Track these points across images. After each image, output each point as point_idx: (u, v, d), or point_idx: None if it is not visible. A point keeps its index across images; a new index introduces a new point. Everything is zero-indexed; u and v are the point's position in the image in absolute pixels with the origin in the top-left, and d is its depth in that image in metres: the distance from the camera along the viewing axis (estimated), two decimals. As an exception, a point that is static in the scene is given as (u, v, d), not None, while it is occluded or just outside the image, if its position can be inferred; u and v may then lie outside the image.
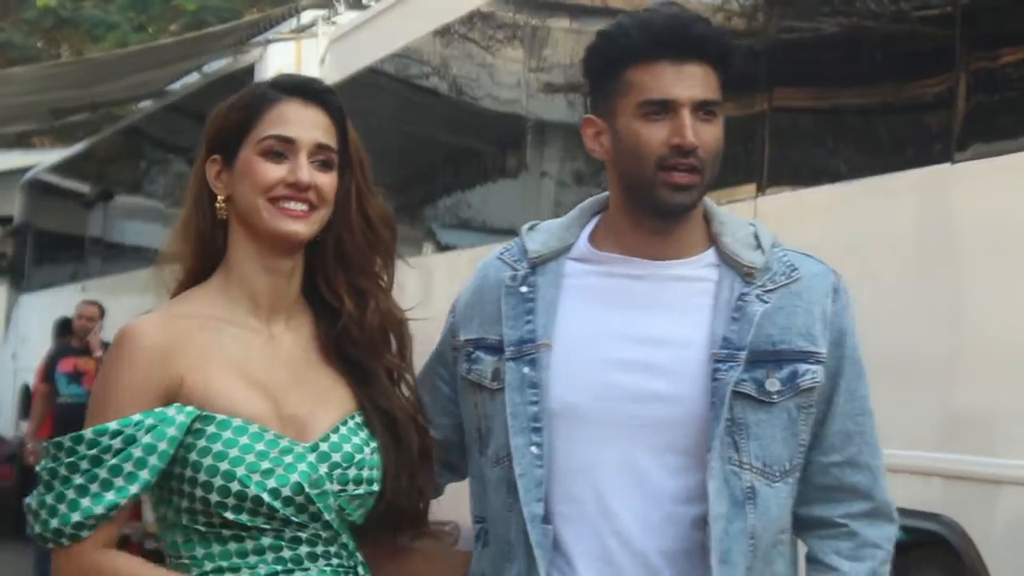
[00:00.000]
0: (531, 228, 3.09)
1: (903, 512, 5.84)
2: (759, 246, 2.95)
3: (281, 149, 2.85)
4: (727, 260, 2.94)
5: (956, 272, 6.02)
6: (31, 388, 16.99)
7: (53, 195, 22.49)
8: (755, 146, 7.19)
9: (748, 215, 6.64)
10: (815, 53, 7.18)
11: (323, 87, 2.98)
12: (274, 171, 2.84)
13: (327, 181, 2.87)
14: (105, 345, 13.24)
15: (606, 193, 3.04)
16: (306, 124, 2.87)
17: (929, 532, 5.87)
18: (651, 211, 2.93)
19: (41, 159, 23.77)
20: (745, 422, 2.87)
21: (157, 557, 2.95)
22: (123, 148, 19.57)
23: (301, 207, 2.85)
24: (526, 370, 2.94)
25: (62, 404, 13.39)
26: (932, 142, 6.28)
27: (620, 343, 2.93)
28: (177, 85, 17.58)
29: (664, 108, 2.86)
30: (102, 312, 13.71)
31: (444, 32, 10.68)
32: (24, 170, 23.32)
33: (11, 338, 22.13)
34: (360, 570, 2.90)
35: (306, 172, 2.84)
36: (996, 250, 5.80)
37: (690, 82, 2.87)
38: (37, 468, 2.85)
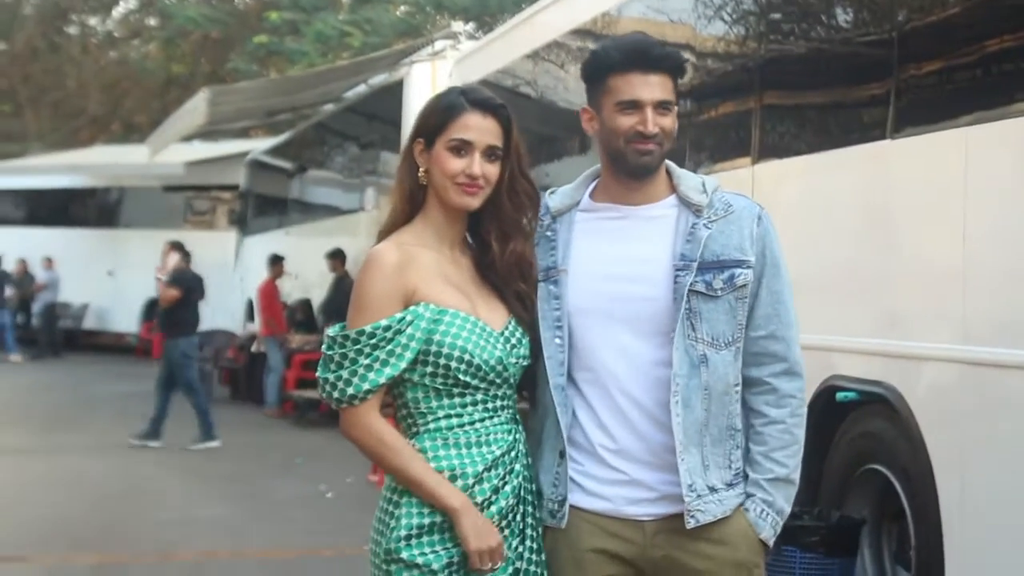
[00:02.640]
0: (551, 192, 3.58)
1: (859, 380, 6.25)
2: (704, 191, 3.43)
3: (463, 148, 3.32)
4: (683, 201, 3.43)
5: (894, 219, 6.22)
6: (253, 301, 20.24)
7: (266, 170, 24.34)
8: (750, 131, 7.44)
9: (747, 180, 6.95)
10: (792, 64, 7.34)
11: (498, 103, 3.43)
12: (457, 163, 3.32)
13: (492, 170, 3.35)
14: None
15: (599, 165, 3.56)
16: (483, 131, 3.34)
17: (876, 393, 6.14)
18: (625, 171, 3.43)
19: (257, 145, 26.26)
20: (699, 310, 3.35)
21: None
22: (313, 137, 21.66)
23: (472, 189, 3.32)
24: (551, 287, 3.43)
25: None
26: (875, 125, 6.39)
27: (611, 264, 3.42)
28: (350, 93, 19.41)
29: (633, 106, 3.37)
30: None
31: (532, 55, 11.45)
32: (245, 153, 26.10)
33: (239, 267, 24.08)
34: (518, 416, 3.40)
35: (478, 166, 3.32)
36: (923, 202, 5.99)
37: (651, 87, 3.38)
38: (325, 349, 3.30)
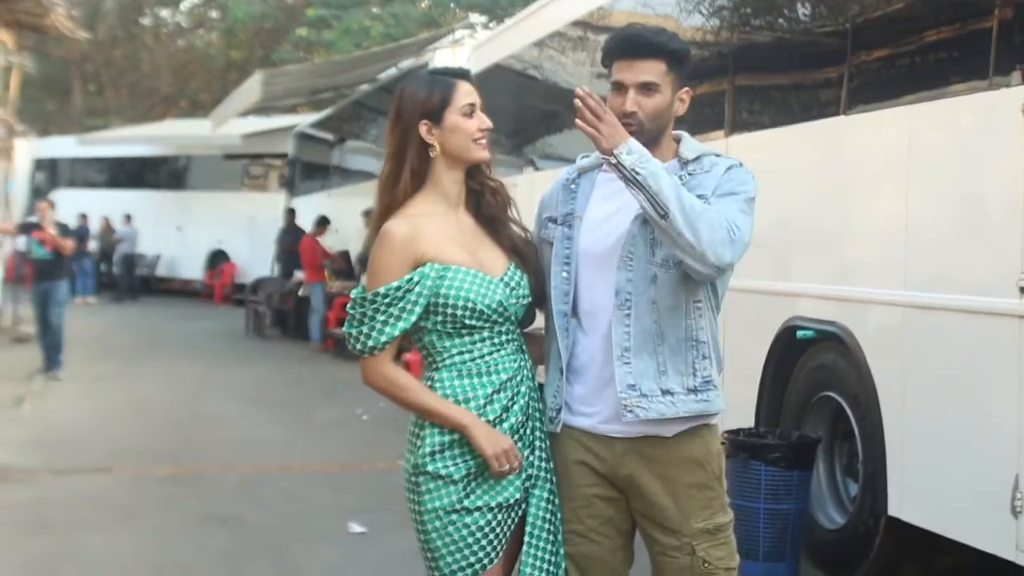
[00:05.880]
0: (583, 156, 3.55)
1: (816, 321, 6.29)
2: (696, 151, 3.37)
3: (471, 110, 3.32)
4: (680, 161, 3.37)
5: (846, 184, 6.22)
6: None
7: (311, 140, 24.45)
8: (724, 108, 7.47)
9: (722, 150, 6.87)
10: (760, 51, 7.34)
11: (468, 71, 3.47)
12: (472, 123, 3.33)
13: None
14: (63, 228, 14.69)
15: None
16: (474, 93, 3.36)
17: (830, 332, 6.19)
18: None
19: (303, 119, 26.59)
20: (659, 239, 3.24)
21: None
22: (352, 113, 21.65)
23: (485, 142, 3.34)
24: (566, 230, 3.42)
25: (36, 259, 14.60)
26: (830, 103, 6.40)
27: (613, 214, 3.37)
28: (383, 75, 19.53)
29: (620, 87, 3.35)
30: (52, 205, 15.12)
31: (538, 44, 11.38)
32: (293, 126, 26.12)
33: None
34: (523, 346, 3.40)
35: (487, 120, 3.35)
36: (871, 170, 6.00)
37: (635, 72, 3.33)
38: (348, 309, 3.32)
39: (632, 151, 3.12)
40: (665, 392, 3.28)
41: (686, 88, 3.41)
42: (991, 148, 5.09)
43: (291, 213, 23.08)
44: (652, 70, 3.34)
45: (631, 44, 3.38)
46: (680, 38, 3.56)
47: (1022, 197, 4.84)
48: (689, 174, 3.33)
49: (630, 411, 3.27)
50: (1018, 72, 4.91)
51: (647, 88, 3.33)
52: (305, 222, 21.12)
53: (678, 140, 3.45)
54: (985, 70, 5.12)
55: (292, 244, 22.03)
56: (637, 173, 3.11)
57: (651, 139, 3.32)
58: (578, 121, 3.16)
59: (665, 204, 3.09)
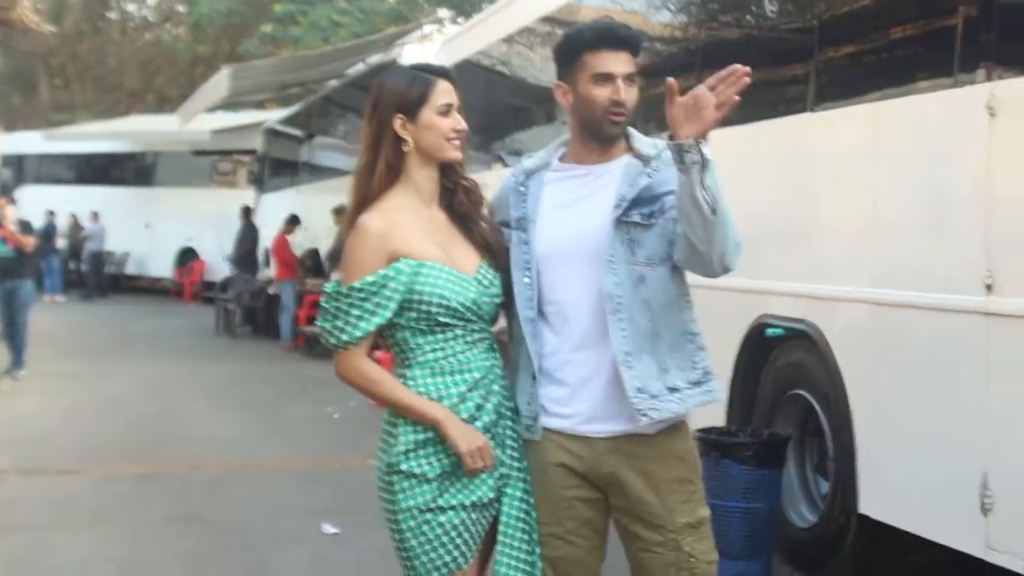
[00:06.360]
0: (527, 156, 3.56)
1: (786, 319, 6.29)
2: (655, 147, 3.36)
3: (448, 110, 3.32)
4: (636, 156, 3.37)
5: (814, 181, 6.24)
6: (268, 251, 20.48)
7: (280, 136, 24.34)
8: None
9: None
10: (728, 47, 7.30)
11: (451, 70, 3.46)
12: (447, 122, 3.32)
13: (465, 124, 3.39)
14: (25, 225, 14.56)
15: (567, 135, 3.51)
16: (452, 92, 3.35)
17: (799, 330, 6.19)
18: (597, 138, 3.39)
19: (272, 115, 26.44)
20: (637, 238, 3.29)
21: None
22: (320, 109, 21.53)
23: (458, 142, 3.34)
24: (522, 235, 3.40)
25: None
26: (798, 100, 6.41)
27: (571, 212, 3.37)
28: (351, 70, 19.51)
29: (607, 78, 3.33)
30: (12, 202, 15.07)
31: (507, 39, 11.41)
32: (262, 122, 25.97)
33: (258, 221, 23.63)
34: (494, 345, 3.39)
35: (462, 121, 3.35)
36: (839, 166, 6.00)
37: (621, 62, 3.35)
38: (322, 303, 3.31)
39: (707, 142, 3.12)
40: (672, 390, 3.31)
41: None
42: (957, 145, 5.11)
43: (248, 211, 23.06)
44: (631, 62, 3.37)
45: (616, 35, 3.39)
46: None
47: (987, 194, 4.87)
48: (654, 170, 3.32)
49: (644, 415, 3.27)
50: (983, 69, 4.93)
51: (631, 79, 3.35)
52: (275, 218, 21.05)
53: (626, 135, 3.45)
54: (950, 67, 5.14)
55: (252, 244, 22.07)
56: (710, 162, 3.10)
57: (623, 133, 3.36)
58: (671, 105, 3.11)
59: (718, 198, 3.10)
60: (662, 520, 3.33)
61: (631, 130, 3.45)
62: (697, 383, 3.36)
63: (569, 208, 3.38)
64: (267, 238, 21.54)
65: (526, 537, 3.35)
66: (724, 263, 3.21)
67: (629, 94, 3.34)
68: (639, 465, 3.34)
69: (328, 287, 3.32)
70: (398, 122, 3.31)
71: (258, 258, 22.55)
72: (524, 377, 3.40)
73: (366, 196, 3.33)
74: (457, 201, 3.41)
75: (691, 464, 3.42)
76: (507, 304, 3.42)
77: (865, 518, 5.79)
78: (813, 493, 6.52)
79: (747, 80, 3.15)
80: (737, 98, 3.13)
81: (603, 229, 3.29)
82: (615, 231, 3.29)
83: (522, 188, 3.47)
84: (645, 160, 3.36)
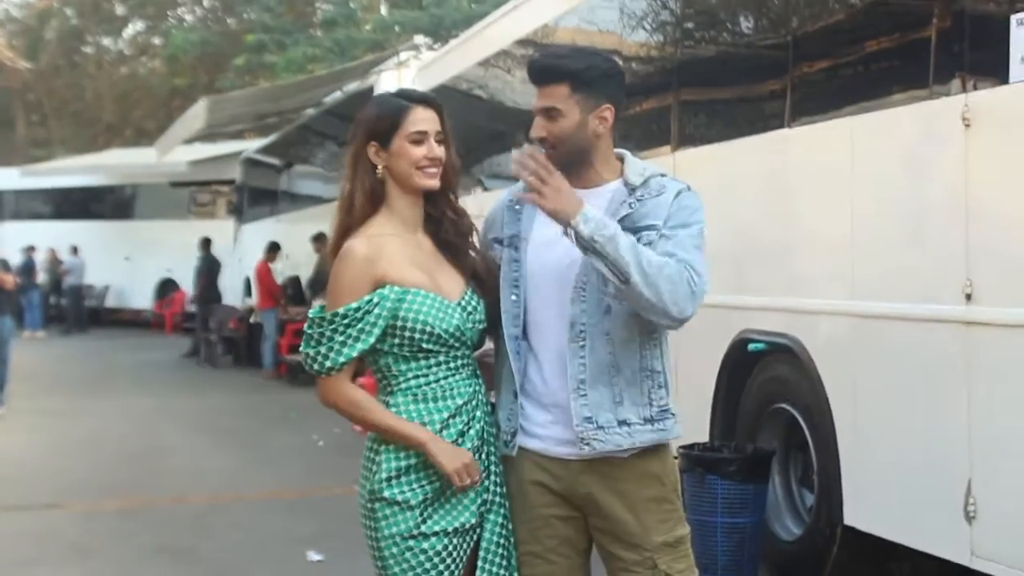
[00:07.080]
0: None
1: (768, 333, 6.32)
2: (642, 175, 3.35)
3: (421, 138, 3.30)
4: (625, 183, 3.35)
5: (793, 197, 6.26)
6: (250, 279, 20.48)
7: (258, 166, 24.33)
8: (669, 123, 7.51)
9: (669, 165, 6.94)
10: (703, 65, 7.38)
11: (432, 96, 3.45)
12: (418, 151, 3.30)
13: (442, 152, 3.35)
14: (2, 263, 14.67)
15: None
16: (429, 120, 3.33)
17: (782, 344, 6.21)
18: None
19: (250, 145, 26.36)
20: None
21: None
22: (298, 137, 21.45)
23: (433, 170, 3.32)
24: (513, 253, 3.40)
25: None
26: (774, 116, 6.43)
27: (557, 236, 3.27)
28: (328, 99, 19.45)
29: (534, 114, 3.37)
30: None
31: (483, 63, 11.44)
32: (240, 152, 25.89)
33: (237, 250, 24.04)
34: (477, 371, 3.38)
35: (436, 149, 3.33)
36: (816, 182, 6.03)
37: (540, 98, 3.35)
38: (306, 328, 3.28)
39: (589, 219, 3.12)
40: (622, 423, 3.29)
41: (607, 105, 3.36)
42: (934, 156, 5.14)
43: (207, 243, 23.07)
44: (554, 95, 3.32)
45: (532, 71, 3.39)
46: (596, 56, 3.58)
47: (965, 204, 4.90)
48: (638, 199, 3.31)
49: (587, 444, 3.27)
50: (958, 80, 4.97)
51: (548, 114, 3.33)
52: (255, 248, 21.02)
53: (621, 159, 3.43)
54: (926, 79, 5.17)
55: (212, 276, 22.05)
56: (595, 242, 3.11)
57: (574, 161, 3.32)
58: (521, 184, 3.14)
59: (626, 270, 3.10)
60: (639, 539, 3.33)
61: (626, 154, 3.45)
62: (650, 420, 3.33)
63: (557, 230, 3.34)
64: (248, 267, 21.47)
65: (504, 563, 3.35)
66: (679, 315, 3.19)
67: (548, 129, 3.32)
68: (614, 485, 3.34)
69: (312, 313, 3.31)
70: (371, 149, 3.32)
71: (219, 289, 22.57)
72: (506, 394, 3.40)
73: (348, 224, 3.33)
74: (443, 230, 3.40)
75: (669, 483, 3.40)
76: (492, 325, 3.41)
77: (850, 529, 5.79)
78: (798, 506, 6.52)
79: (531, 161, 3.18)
80: (531, 179, 3.15)
81: (580, 255, 3.26)
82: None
83: (517, 207, 3.47)
84: (631, 188, 3.35)
